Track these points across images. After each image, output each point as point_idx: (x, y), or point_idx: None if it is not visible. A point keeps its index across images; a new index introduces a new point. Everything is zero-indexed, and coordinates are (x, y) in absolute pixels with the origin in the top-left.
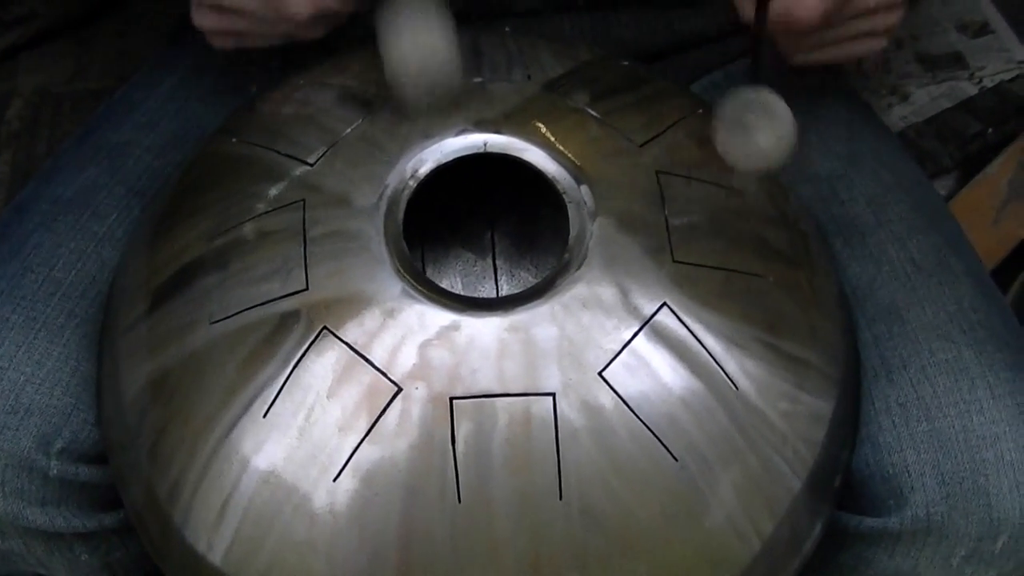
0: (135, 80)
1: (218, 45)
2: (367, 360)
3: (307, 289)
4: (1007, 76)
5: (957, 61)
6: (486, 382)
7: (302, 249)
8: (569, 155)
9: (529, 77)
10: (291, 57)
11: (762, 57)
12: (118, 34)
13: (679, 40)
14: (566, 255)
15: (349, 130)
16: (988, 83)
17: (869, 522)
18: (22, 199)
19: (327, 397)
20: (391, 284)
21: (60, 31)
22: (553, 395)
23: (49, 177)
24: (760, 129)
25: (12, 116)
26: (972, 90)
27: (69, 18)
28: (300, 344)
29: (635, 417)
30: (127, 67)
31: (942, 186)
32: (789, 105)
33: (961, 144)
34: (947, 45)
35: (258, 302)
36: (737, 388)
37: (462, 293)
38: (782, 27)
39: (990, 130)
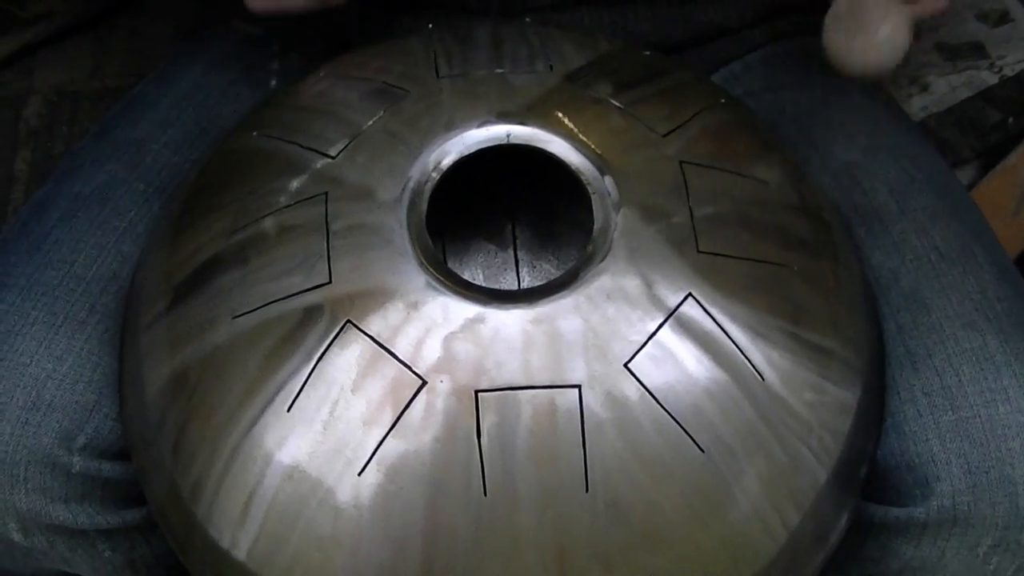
0: (153, 77)
1: (257, 8)
2: (391, 353)
3: (330, 283)
4: None
5: (977, 50)
6: (511, 375)
7: (325, 243)
8: (592, 146)
9: (551, 68)
10: (310, 51)
11: None
12: (136, 31)
13: (697, 32)
14: (590, 247)
15: (371, 122)
16: (1009, 72)
17: (895, 512)
18: (41, 196)
19: (351, 391)
20: (415, 277)
21: (78, 29)
22: (579, 387)
23: (68, 174)
24: (876, 28)
25: (30, 114)
26: (992, 79)
27: (87, 16)
28: (324, 338)
29: (661, 408)
30: (145, 64)
31: (962, 176)
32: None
33: (981, 134)
34: (967, 34)
35: (280, 296)
36: (763, 379)
37: (485, 285)
38: None
39: (1011, 120)
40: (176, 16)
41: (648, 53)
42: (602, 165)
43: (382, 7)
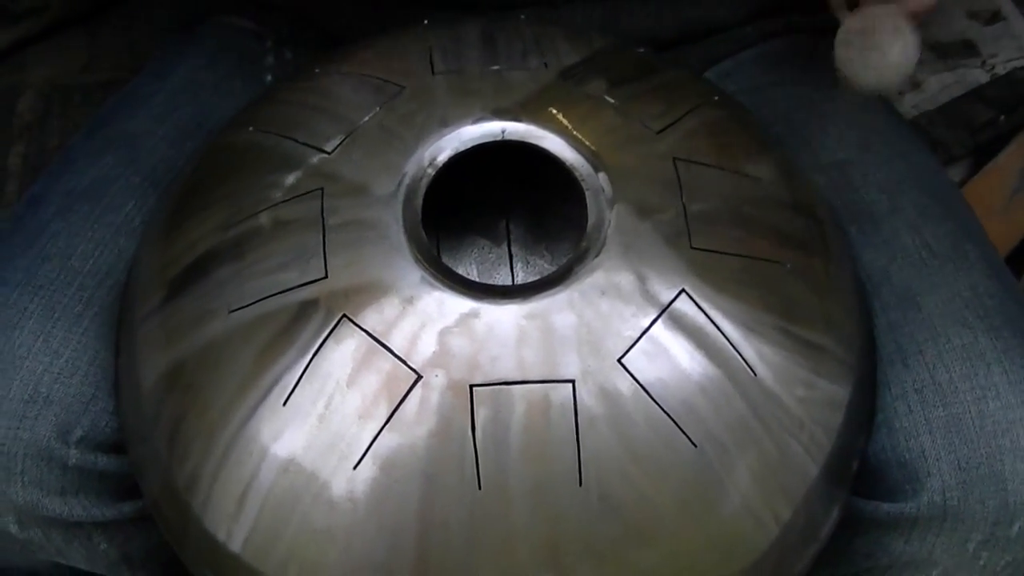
0: (147, 71)
1: None
2: (386, 348)
3: (326, 277)
4: (1019, 63)
5: (969, 49)
6: (505, 370)
7: (321, 238)
8: (587, 143)
9: (545, 65)
10: (304, 46)
11: None
12: (128, 25)
13: (690, 29)
14: (584, 243)
15: (366, 118)
16: (1000, 70)
17: (885, 507)
18: (36, 191)
19: (347, 385)
20: (410, 272)
21: (70, 23)
22: (572, 382)
23: (63, 169)
24: (889, 45)
25: (23, 108)
26: (984, 78)
27: (79, 9)
28: (319, 332)
29: (654, 404)
30: (138, 58)
31: (953, 174)
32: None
33: (972, 132)
34: (958, 32)
35: (276, 291)
36: (755, 374)
37: (479, 281)
38: None
39: (1002, 118)
40: (169, 10)
41: (641, 50)
42: (596, 162)
43: (377, 1)
